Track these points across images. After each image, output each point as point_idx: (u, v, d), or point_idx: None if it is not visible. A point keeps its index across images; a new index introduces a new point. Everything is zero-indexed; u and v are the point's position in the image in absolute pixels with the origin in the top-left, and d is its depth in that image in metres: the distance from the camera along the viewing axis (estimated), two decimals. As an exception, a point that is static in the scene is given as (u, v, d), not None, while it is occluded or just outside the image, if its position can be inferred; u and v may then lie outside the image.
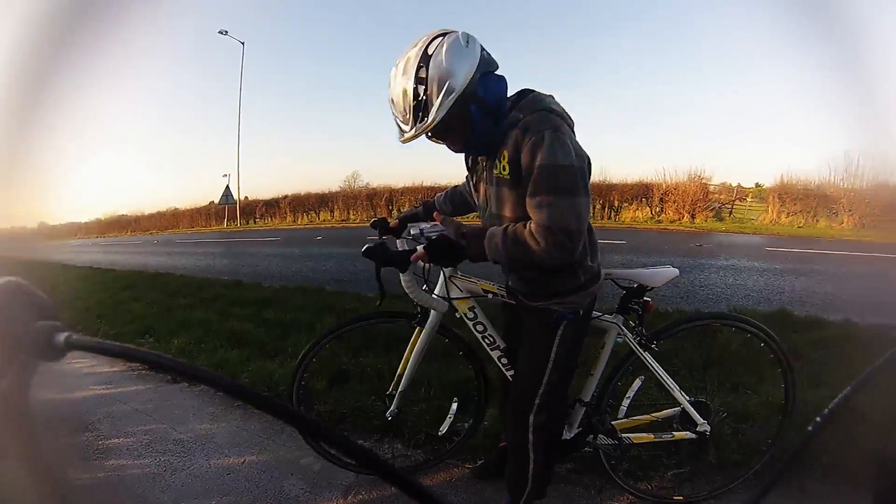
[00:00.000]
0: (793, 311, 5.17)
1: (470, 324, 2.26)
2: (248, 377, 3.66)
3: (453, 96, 1.58)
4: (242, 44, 32.84)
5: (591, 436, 2.30)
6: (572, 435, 2.29)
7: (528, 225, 1.64)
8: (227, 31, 31.58)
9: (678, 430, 2.32)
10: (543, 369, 1.91)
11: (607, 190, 21.86)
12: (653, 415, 2.40)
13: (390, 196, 25.65)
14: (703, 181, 20.42)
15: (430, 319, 2.29)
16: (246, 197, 33.74)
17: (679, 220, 19.82)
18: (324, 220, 27.82)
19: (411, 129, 1.67)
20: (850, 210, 17.80)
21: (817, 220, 18.60)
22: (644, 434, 2.35)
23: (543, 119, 1.59)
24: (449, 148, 1.81)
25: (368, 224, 2.58)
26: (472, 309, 2.24)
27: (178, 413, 3.41)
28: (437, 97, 1.58)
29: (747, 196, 27.27)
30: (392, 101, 1.68)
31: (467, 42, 1.62)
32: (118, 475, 2.80)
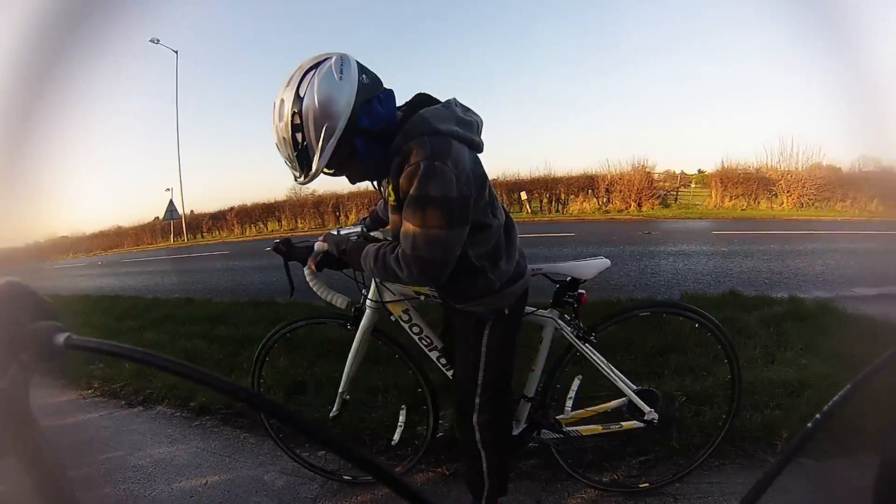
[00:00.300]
0: (742, 292, 5.31)
1: (405, 326, 2.28)
2: (204, 396, 3.57)
3: (333, 139, 1.52)
4: (176, 52, 32.04)
5: (537, 431, 2.33)
6: (519, 431, 2.31)
7: (396, 249, 1.65)
8: (158, 40, 30.79)
9: (626, 420, 2.33)
10: (476, 370, 1.92)
11: (553, 183, 22.14)
12: (598, 407, 2.42)
13: (337, 202, 25.33)
14: (648, 170, 20.84)
15: (362, 321, 2.29)
16: (191, 211, 32.98)
17: (626, 209, 20.18)
18: (272, 231, 27.42)
19: (301, 175, 1.62)
20: (787, 191, 18.48)
21: (758, 202, 19.26)
22: (592, 426, 2.37)
23: (422, 145, 1.50)
24: (350, 181, 1.75)
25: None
26: (406, 311, 2.26)
27: (134, 439, 3.31)
28: (318, 143, 1.52)
29: (691, 182, 27.99)
30: (276, 146, 1.61)
31: (341, 71, 1.52)
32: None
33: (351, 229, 2.35)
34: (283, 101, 1.53)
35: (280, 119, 1.53)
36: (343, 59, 1.55)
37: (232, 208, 30.63)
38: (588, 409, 2.42)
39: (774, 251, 8.96)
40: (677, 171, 25.24)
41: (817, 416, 0.63)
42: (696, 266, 7.83)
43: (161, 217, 31.82)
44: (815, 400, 2.75)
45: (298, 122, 1.51)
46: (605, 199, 21.05)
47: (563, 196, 21.94)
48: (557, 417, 2.34)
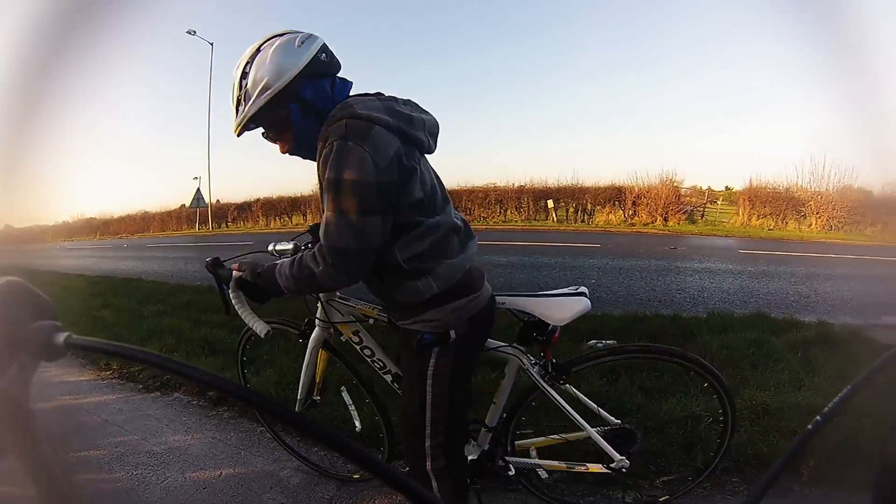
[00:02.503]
0: (769, 314, 5.21)
1: (356, 347, 2.19)
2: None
3: (268, 93, 1.51)
4: (211, 44, 32.39)
5: (497, 458, 2.15)
6: (476, 456, 2.14)
7: (314, 248, 1.56)
8: (195, 32, 31.16)
9: (593, 462, 2.13)
10: (423, 409, 1.73)
11: (580, 193, 22.08)
12: (555, 438, 2.20)
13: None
14: (675, 184, 20.69)
15: (311, 338, 2.27)
16: (217, 200, 33.42)
17: (652, 222, 20.02)
18: (296, 224, 27.62)
19: (234, 122, 1.62)
20: (817, 212, 18.21)
21: (786, 223, 19.00)
22: (556, 462, 2.19)
23: (340, 127, 1.43)
24: (280, 151, 1.69)
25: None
26: (356, 333, 2.17)
27: (150, 424, 3.31)
28: (254, 94, 1.53)
29: (718, 199, 27.68)
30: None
31: (301, 43, 1.55)
32: (88, 491, 2.70)
33: (285, 245, 2.29)
34: (244, 54, 1.57)
35: (237, 67, 1.57)
36: (310, 37, 1.58)
37: (258, 200, 30.95)
38: (550, 437, 2.22)
39: (802, 273, 8.80)
40: (704, 187, 25.00)
41: (818, 417, 0.63)
42: (723, 284, 7.70)
43: (188, 205, 32.24)
44: (844, 428, 2.67)
45: (247, 71, 1.54)
46: (631, 212, 20.91)
47: (589, 206, 21.86)
48: (517, 446, 2.22)
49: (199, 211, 31.80)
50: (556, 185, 22.99)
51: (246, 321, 1.87)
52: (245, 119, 1.57)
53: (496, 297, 1.89)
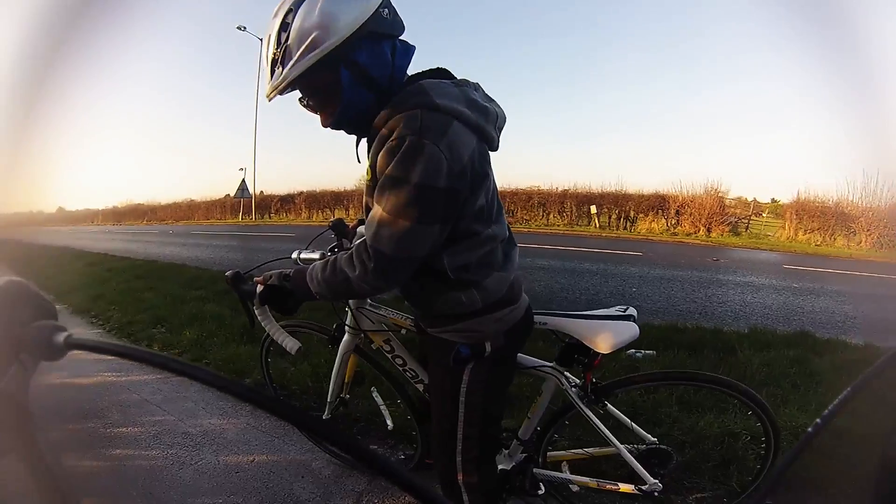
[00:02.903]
0: (814, 333, 5.07)
1: (388, 356, 2.11)
2: (260, 375, 3.62)
3: (316, 53, 1.22)
4: (260, 40, 32.93)
5: (528, 471, 2.07)
6: (508, 467, 2.06)
7: (351, 251, 1.38)
8: (245, 28, 31.66)
9: (625, 483, 2.03)
10: (455, 424, 1.61)
11: (623, 200, 21.87)
12: (596, 450, 2.10)
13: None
14: (720, 195, 20.32)
15: (341, 345, 2.22)
16: (261, 191, 33.97)
17: (695, 233, 19.69)
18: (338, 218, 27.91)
19: (268, 84, 1.33)
20: (867, 229, 17.63)
21: (834, 239, 18.45)
22: (587, 479, 2.09)
23: (413, 119, 1.21)
24: (322, 123, 1.40)
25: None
26: (387, 341, 2.09)
27: (187, 406, 3.38)
28: (297, 50, 1.23)
29: (763, 211, 27.09)
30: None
31: None
32: (124, 465, 2.76)
33: (311, 254, 2.19)
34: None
35: (275, 15, 1.28)
36: None
37: (301, 192, 31.34)
38: (583, 450, 2.14)
39: (849, 293, 8.53)
40: (750, 199, 24.47)
41: (817, 420, 0.62)
42: (766, 300, 7.52)
43: (232, 195, 32.83)
44: (844, 429, 2.59)
45: (289, 21, 1.24)
46: (674, 221, 20.61)
47: (632, 214, 21.62)
48: (549, 457, 2.16)
49: (242, 201, 32.34)
50: (600, 191, 22.80)
51: (275, 337, 1.78)
52: (283, 83, 1.28)
53: (536, 315, 1.76)
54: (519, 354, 1.85)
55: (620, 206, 21.86)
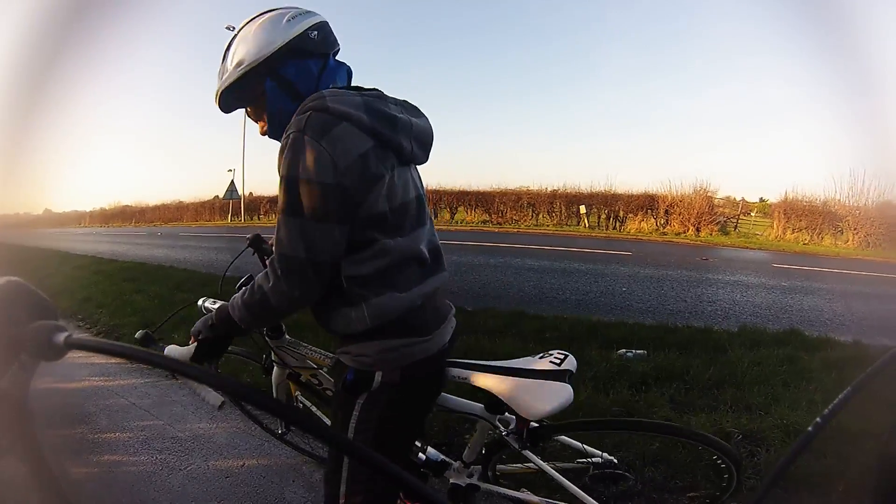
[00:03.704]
0: (803, 331, 5.10)
1: (319, 390, 2.10)
2: (249, 377, 3.59)
3: (242, 68, 1.39)
4: (250, 41, 32.90)
5: (474, 489, 1.91)
6: (453, 483, 1.93)
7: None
8: (234, 28, 31.61)
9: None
10: (340, 462, 1.41)
11: (612, 200, 21.94)
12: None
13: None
14: (709, 194, 20.44)
15: (273, 375, 2.23)
16: (250, 192, 33.84)
17: (684, 232, 19.80)
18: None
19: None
20: (854, 228, 17.80)
21: (822, 238, 18.61)
22: (536, 499, 1.86)
23: (300, 119, 1.24)
24: (260, 132, 1.52)
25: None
26: (314, 376, 2.07)
27: (176, 410, 3.34)
28: (231, 66, 1.42)
29: (752, 211, 27.27)
30: None
31: (292, 18, 1.40)
32: (113, 472, 2.73)
33: (215, 304, 2.16)
34: (238, 28, 1.47)
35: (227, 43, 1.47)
36: (305, 13, 1.43)
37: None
38: (527, 465, 1.87)
39: (838, 291, 8.60)
40: (738, 198, 24.63)
41: (818, 419, 0.62)
42: (755, 298, 7.57)
43: (221, 196, 32.73)
44: (844, 428, 2.60)
45: (231, 43, 1.44)
46: (663, 221, 20.73)
47: (621, 213, 21.71)
48: (498, 471, 1.98)
49: (231, 202, 32.25)
50: (589, 191, 22.89)
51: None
52: (218, 91, 1.46)
53: (454, 367, 1.63)
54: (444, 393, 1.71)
55: (610, 205, 21.94)
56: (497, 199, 23.77)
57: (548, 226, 22.34)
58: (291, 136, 1.22)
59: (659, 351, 4.15)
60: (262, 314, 1.39)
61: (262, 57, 1.37)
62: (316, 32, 1.42)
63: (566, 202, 22.62)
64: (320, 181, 1.20)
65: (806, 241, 18.51)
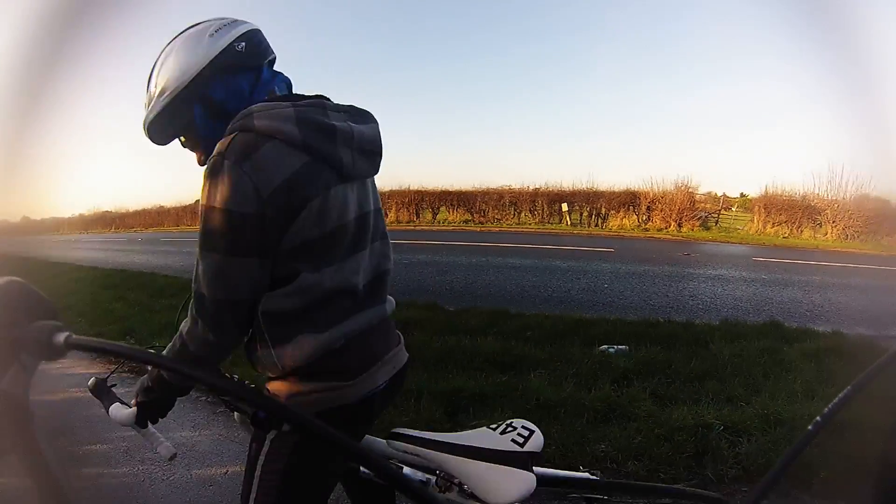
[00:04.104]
0: (783, 323, 5.16)
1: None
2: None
3: (166, 97, 1.23)
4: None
5: None
6: None
7: None
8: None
9: None
10: (247, 500, 1.26)
11: (595, 197, 22.03)
12: None
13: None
14: (690, 190, 20.59)
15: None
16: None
17: (666, 228, 19.94)
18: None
19: None
20: (833, 221, 18.06)
21: (802, 231, 18.82)
22: None
23: (223, 143, 1.11)
24: (198, 162, 1.35)
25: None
26: None
27: (158, 419, 3.30)
28: (155, 95, 1.25)
29: (733, 206, 27.53)
30: None
31: (216, 31, 1.24)
32: (95, 484, 2.70)
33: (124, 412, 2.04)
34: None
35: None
36: (231, 23, 1.28)
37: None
38: None
39: (817, 283, 8.71)
40: (719, 194, 24.87)
41: (818, 418, 0.61)
42: (736, 292, 7.65)
43: (201, 200, 32.57)
44: (858, 441, 2.64)
45: (154, 67, 1.27)
46: (645, 217, 20.85)
47: (603, 210, 21.81)
48: None
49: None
50: (571, 189, 22.97)
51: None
52: (144, 128, 1.30)
53: (399, 439, 1.37)
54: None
55: (592, 203, 22.03)
56: (479, 199, 23.73)
57: (530, 224, 22.39)
58: (211, 161, 1.09)
59: (641, 346, 4.18)
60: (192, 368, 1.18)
61: (185, 82, 1.22)
62: (244, 44, 1.26)
63: (548, 200, 22.67)
64: (240, 211, 1.07)
65: (786, 235, 18.72)
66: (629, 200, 21.56)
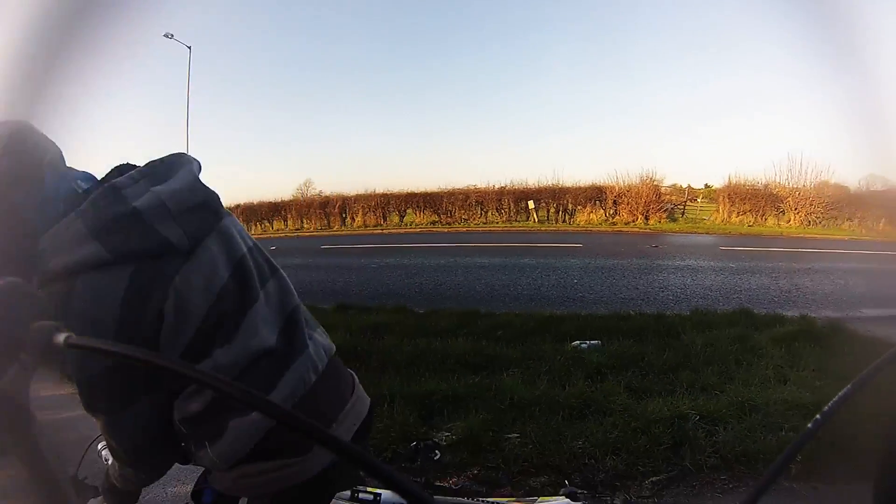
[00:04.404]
0: (752, 310, 5.23)
1: None
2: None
3: None
4: (189, 48, 32.10)
5: None
6: None
7: None
8: (172, 35, 30.80)
9: None
10: None
11: (561, 193, 22.14)
12: None
13: (343, 203, 25.29)
14: (655, 183, 20.82)
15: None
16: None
17: (633, 221, 20.11)
18: (277, 230, 27.37)
19: None
20: (795, 208, 18.44)
21: (766, 219, 19.17)
22: None
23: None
24: None
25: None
26: None
27: None
28: None
29: (698, 197, 27.91)
30: None
31: None
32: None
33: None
34: None
35: None
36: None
37: (238, 205, 30.70)
38: None
39: (783, 269, 8.89)
40: (684, 185, 25.20)
41: (817, 416, 0.59)
42: (705, 281, 7.76)
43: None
44: (831, 424, 2.67)
45: None
46: (612, 211, 21.01)
47: (570, 206, 21.93)
48: None
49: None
50: (537, 186, 23.03)
51: None
52: None
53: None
54: None
55: (558, 199, 22.11)
56: (445, 200, 23.66)
57: (497, 223, 22.39)
58: None
59: (613, 340, 4.19)
60: (125, 498, 1.17)
61: None
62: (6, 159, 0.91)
63: (514, 198, 22.71)
64: (89, 374, 0.90)
65: (751, 223, 19.05)
66: (595, 195, 21.69)
